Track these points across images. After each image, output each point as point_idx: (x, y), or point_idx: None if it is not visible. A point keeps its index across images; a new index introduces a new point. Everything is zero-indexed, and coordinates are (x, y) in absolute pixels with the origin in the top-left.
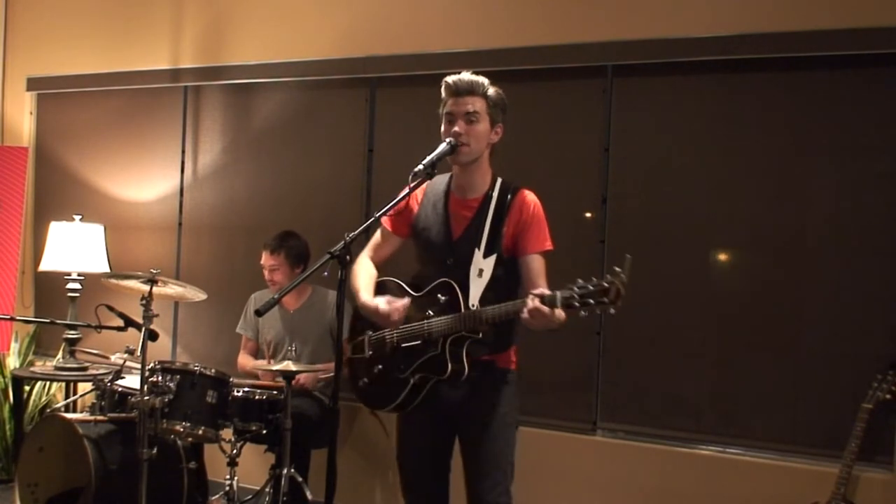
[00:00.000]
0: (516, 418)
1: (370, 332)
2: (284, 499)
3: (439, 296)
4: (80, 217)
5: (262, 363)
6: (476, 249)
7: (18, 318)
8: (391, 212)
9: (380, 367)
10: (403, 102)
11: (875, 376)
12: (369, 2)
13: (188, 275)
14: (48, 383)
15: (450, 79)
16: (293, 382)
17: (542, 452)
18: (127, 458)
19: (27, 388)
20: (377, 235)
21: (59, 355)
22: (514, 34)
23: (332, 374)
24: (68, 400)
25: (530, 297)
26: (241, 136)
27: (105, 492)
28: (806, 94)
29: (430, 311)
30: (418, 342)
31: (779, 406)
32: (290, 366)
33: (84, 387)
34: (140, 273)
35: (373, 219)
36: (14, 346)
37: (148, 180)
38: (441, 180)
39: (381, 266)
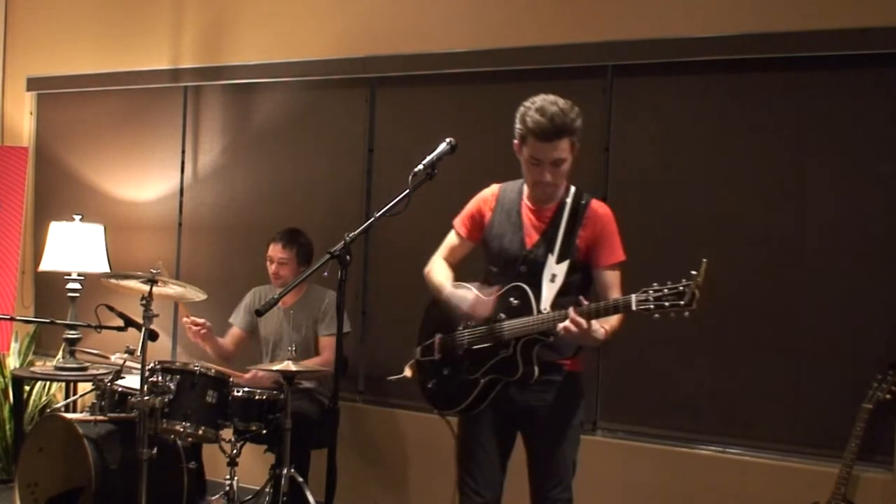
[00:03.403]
0: (581, 418)
1: (439, 335)
2: (284, 499)
3: (511, 299)
4: (80, 217)
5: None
6: (549, 255)
7: (18, 318)
8: (467, 220)
9: (449, 369)
10: (403, 102)
11: (875, 376)
12: (369, 2)
13: (188, 275)
14: (48, 383)
15: (531, 119)
16: (251, 376)
17: None
18: (127, 458)
19: (27, 388)
20: (451, 239)
21: (59, 355)
22: (514, 34)
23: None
24: (68, 400)
25: (571, 309)
26: (241, 136)
27: (105, 492)
28: (806, 94)
29: (502, 315)
30: (489, 344)
31: (779, 406)
32: (290, 366)
33: (84, 387)
34: (140, 273)
35: (373, 219)
36: (14, 346)
37: (148, 180)
38: (512, 187)
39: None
